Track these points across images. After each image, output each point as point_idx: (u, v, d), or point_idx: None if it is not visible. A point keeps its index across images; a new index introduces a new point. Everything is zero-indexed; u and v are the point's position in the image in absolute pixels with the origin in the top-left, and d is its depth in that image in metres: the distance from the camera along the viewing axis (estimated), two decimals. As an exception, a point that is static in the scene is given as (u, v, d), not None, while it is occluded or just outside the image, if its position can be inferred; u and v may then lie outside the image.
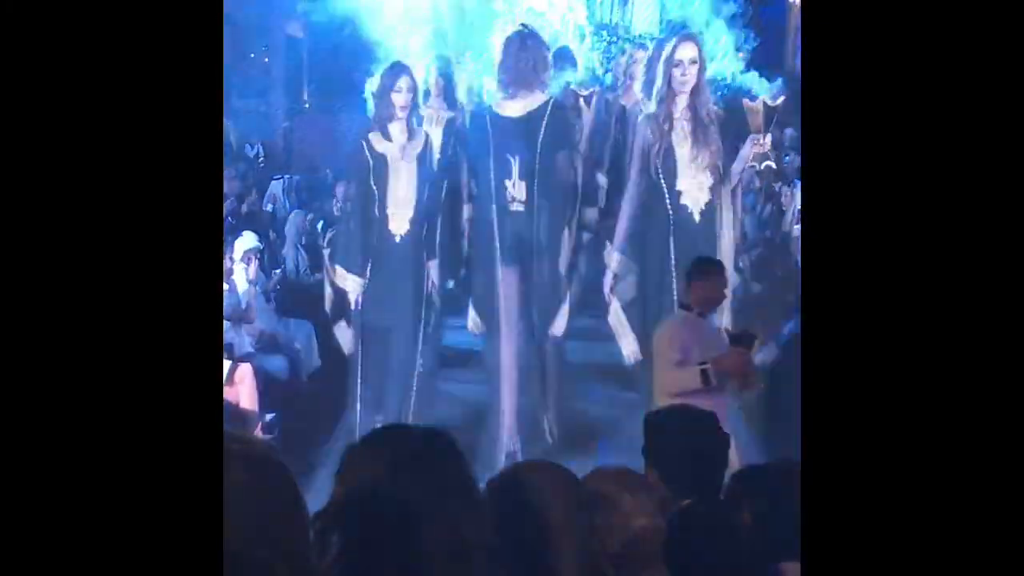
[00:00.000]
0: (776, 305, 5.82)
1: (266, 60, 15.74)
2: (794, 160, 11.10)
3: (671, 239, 5.22)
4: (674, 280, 5.14)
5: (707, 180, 5.23)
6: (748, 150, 5.20)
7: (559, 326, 5.41)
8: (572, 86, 6.17)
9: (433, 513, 1.58)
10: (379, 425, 3.37)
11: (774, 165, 5.71)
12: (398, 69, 5.28)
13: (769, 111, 5.07)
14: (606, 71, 8.78)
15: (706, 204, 5.23)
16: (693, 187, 5.22)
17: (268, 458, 1.53)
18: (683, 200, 5.24)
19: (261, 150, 14.95)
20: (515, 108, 5.33)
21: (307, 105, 17.16)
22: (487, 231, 5.34)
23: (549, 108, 5.30)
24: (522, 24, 5.47)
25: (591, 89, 6.54)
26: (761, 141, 5.14)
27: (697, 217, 5.23)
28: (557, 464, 2.02)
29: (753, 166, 5.36)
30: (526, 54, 5.28)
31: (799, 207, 7.63)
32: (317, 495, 1.69)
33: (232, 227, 7.21)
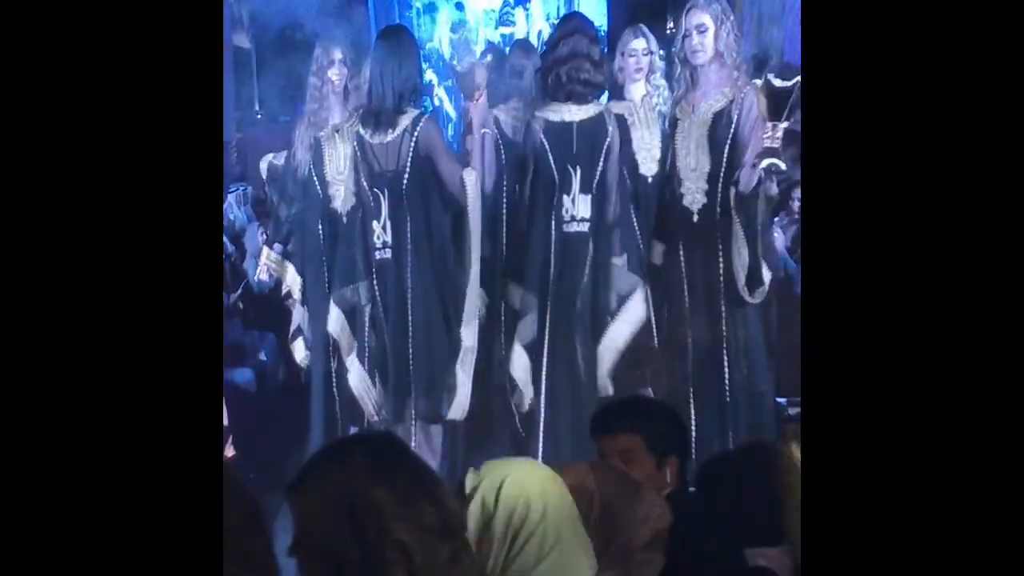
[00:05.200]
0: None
1: (215, 72, 15.63)
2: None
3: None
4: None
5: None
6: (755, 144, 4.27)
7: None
8: None
9: (406, 518, 1.59)
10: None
11: (783, 166, 4.23)
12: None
13: (779, 94, 4.12)
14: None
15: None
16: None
17: (227, 477, 1.54)
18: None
19: (216, 163, 14.75)
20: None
21: (259, 116, 17.02)
22: None
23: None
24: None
25: None
26: (768, 133, 4.16)
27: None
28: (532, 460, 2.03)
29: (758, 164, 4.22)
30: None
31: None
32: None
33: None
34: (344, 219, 5.00)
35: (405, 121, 4.61)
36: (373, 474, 1.63)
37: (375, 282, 4.78)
